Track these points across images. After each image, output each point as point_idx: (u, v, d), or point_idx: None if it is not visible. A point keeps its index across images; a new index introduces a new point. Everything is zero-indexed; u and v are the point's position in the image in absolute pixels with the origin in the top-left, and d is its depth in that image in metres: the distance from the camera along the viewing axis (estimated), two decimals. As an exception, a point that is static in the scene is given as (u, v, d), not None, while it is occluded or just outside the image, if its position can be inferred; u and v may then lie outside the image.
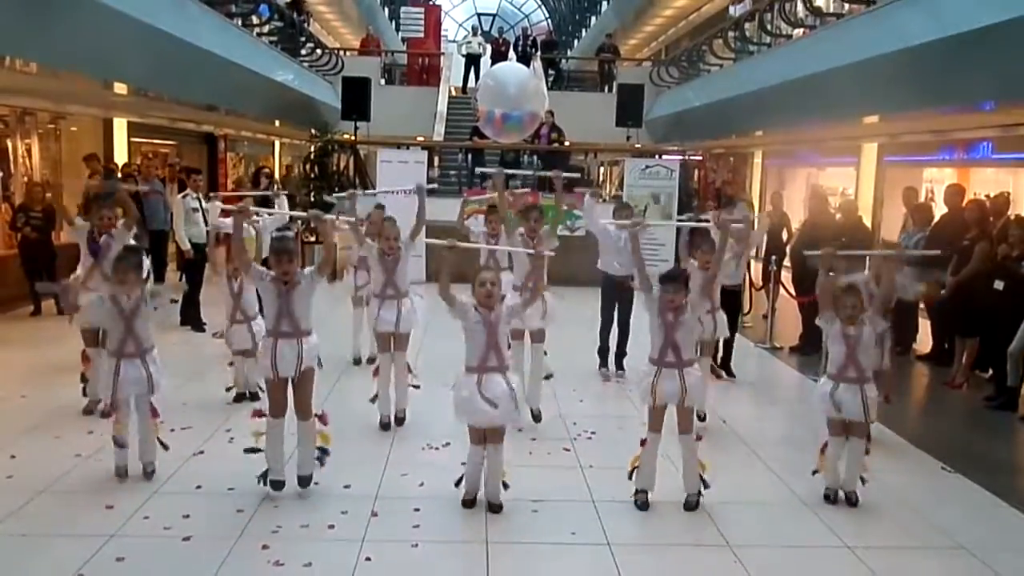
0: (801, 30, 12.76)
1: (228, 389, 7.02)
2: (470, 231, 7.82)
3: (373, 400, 6.57)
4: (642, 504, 5.19)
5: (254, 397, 6.91)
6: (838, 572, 4.53)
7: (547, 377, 7.13)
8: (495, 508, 5.07)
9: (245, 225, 5.42)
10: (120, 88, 10.98)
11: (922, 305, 9.69)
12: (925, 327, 9.67)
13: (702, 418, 6.44)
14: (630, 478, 5.26)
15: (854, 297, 5.31)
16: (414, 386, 6.68)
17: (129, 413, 5.28)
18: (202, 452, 5.84)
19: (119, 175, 12.20)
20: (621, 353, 8.41)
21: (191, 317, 9.79)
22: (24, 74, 8.84)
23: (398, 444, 6.19)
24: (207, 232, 9.30)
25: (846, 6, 11.30)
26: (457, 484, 5.19)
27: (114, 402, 5.21)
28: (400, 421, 6.59)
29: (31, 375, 7.63)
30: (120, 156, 14.60)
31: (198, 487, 5.25)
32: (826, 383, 5.37)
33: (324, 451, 5.29)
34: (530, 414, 6.58)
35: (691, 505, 5.20)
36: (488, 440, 5.00)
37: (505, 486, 5.12)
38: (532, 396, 6.67)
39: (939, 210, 10.20)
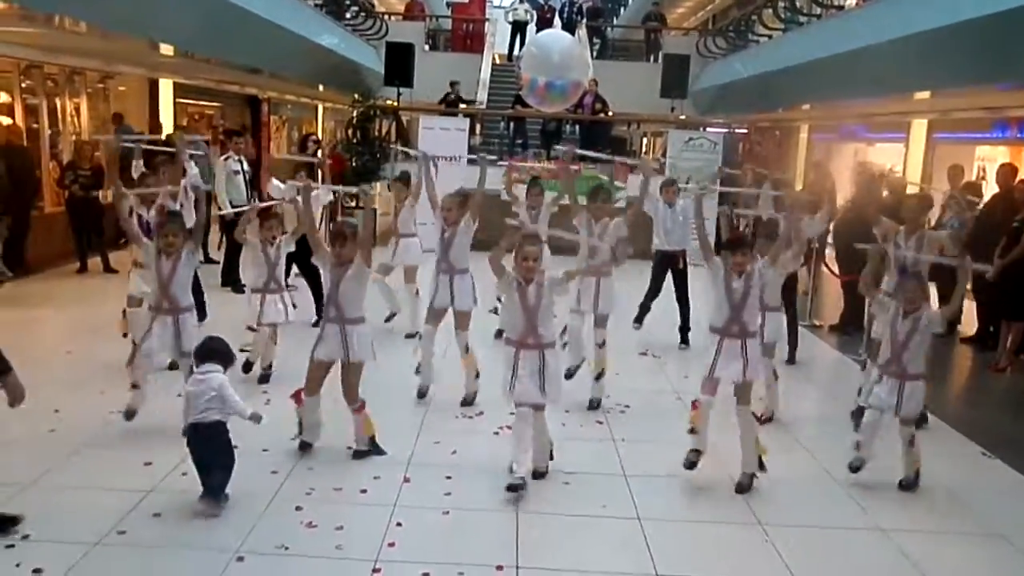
0: (853, 1, 12.44)
1: (242, 350, 6.63)
2: (517, 199, 7.86)
3: (417, 371, 6.54)
4: (689, 464, 5.14)
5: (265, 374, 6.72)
6: (870, 554, 4.49)
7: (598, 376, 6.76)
8: (538, 475, 5.11)
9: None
10: (167, 49, 11.06)
11: (969, 286, 9.49)
12: (970, 309, 9.47)
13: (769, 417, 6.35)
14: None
15: (915, 283, 5.11)
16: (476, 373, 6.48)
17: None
18: (239, 413, 5.92)
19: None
20: (685, 328, 8.51)
21: (231, 279, 9.91)
22: (74, 33, 8.93)
23: (432, 412, 6.23)
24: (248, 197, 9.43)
25: (902, -23, 10.98)
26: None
27: None
28: (466, 402, 6.43)
29: (76, 331, 7.78)
30: (166, 116, 14.75)
31: (234, 447, 5.32)
32: (873, 373, 5.25)
33: (374, 443, 5.37)
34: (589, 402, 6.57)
35: (743, 487, 5.10)
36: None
37: (551, 456, 5.18)
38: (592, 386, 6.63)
39: (990, 189, 9.97)
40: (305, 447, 5.30)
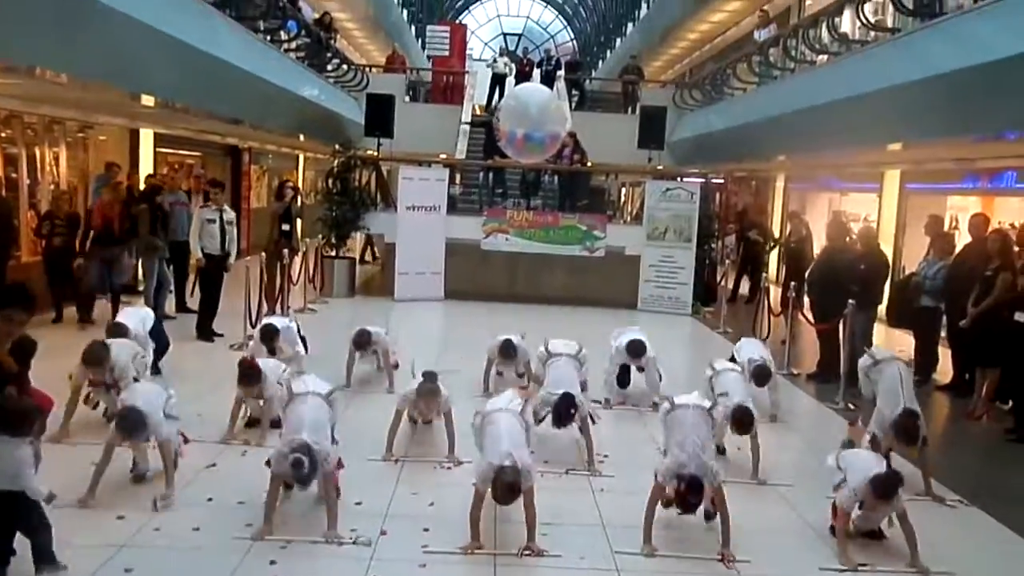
0: (825, 56, 12.71)
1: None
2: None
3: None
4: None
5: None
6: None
7: None
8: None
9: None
10: (147, 100, 11.11)
11: (943, 334, 9.61)
12: (946, 356, 9.56)
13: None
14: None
15: None
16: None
17: None
18: (214, 465, 5.87)
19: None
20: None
21: (206, 328, 9.86)
22: (54, 84, 8.96)
23: (410, 463, 6.18)
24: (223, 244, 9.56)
25: (871, 33, 11.25)
26: None
27: None
28: None
29: (50, 383, 7.63)
30: (146, 166, 14.75)
31: (209, 499, 5.27)
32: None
33: None
34: None
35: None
36: None
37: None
38: None
39: (962, 239, 10.11)
40: None
